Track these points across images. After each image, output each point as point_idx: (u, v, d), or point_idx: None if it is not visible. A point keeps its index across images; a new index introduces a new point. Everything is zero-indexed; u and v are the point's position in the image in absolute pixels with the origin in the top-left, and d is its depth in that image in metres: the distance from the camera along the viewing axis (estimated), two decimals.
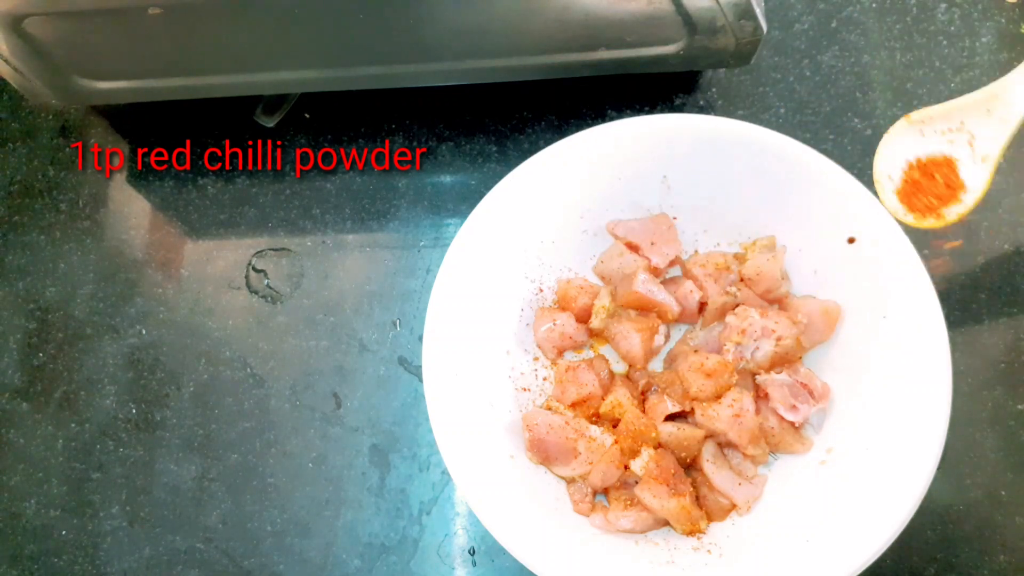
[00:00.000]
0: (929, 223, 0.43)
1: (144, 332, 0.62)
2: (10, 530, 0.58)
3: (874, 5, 0.65)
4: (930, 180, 0.43)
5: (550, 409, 0.53)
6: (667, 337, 0.55)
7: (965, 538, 0.53)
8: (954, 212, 0.42)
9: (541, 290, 0.56)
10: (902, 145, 0.42)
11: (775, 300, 0.54)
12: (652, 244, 0.55)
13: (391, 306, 0.61)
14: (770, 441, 0.51)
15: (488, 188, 0.53)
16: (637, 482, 0.50)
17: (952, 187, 0.43)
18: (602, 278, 0.57)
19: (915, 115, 0.42)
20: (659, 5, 0.51)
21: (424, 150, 0.64)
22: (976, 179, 0.40)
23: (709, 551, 0.49)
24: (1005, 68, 0.63)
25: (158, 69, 0.58)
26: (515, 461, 0.51)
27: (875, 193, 0.47)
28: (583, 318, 0.55)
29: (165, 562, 0.56)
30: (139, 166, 0.66)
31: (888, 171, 0.43)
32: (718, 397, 0.51)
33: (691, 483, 0.50)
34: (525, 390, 0.55)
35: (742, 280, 0.54)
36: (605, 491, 0.52)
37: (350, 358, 0.60)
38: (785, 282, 0.54)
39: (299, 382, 0.60)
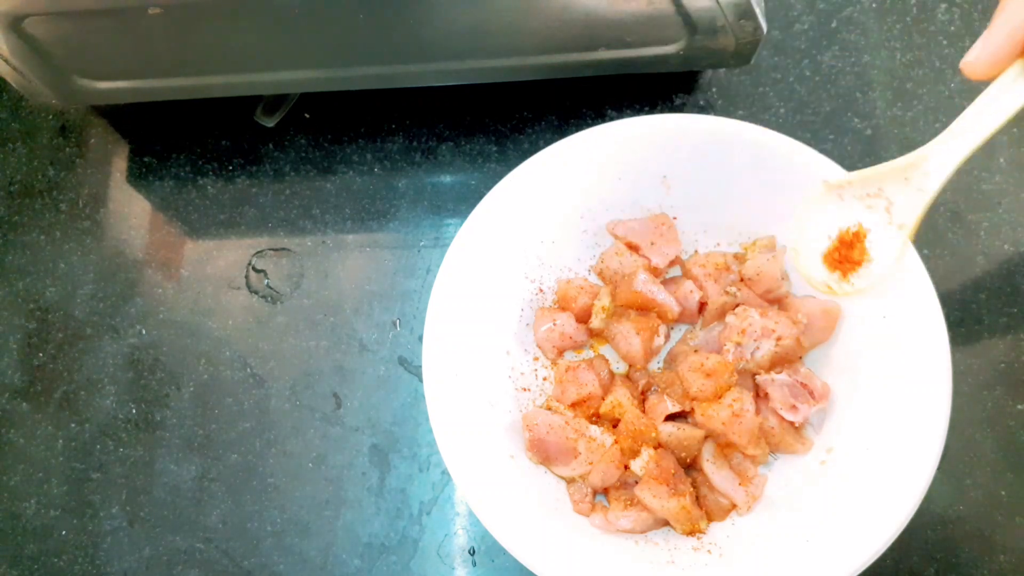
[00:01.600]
0: (842, 289, 0.44)
1: (144, 332, 0.62)
2: (10, 530, 0.58)
3: (874, 5, 0.65)
4: (848, 249, 0.44)
5: (550, 409, 0.53)
6: (667, 337, 0.55)
7: (965, 538, 0.53)
8: (863, 280, 0.42)
9: (541, 290, 0.56)
10: (822, 212, 0.42)
11: (775, 300, 0.54)
12: (652, 244, 0.55)
13: (391, 306, 0.61)
14: (770, 441, 0.51)
15: (488, 188, 0.53)
16: (637, 482, 0.50)
17: (861, 258, 0.43)
18: (602, 278, 0.57)
19: (833, 181, 0.42)
20: (659, 5, 0.51)
21: (424, 150, 0.65)
22: (890, 245, 0.40)
23: (709, 551, 0.49)
24: None
25: (158, 69, 0.58)
26: (515, 461, 0.51)
27: (795, 258, 0.47)
28: (583, 318, 0.55)
29: (165, 562, 0.56)
30: (139, 166, 0.66)
31: (809, 237, 0.44)
32: (718, 397, 0.51)
33: (691, 483, 0.50)
34: (525, 390, 0.55)
35: (742, 280, 0.54)
36: (605, 491, 0.52)
37: (350, 358, 0.60)
38: (785, 282, 0.54)
39: (299, 382, 0.60)
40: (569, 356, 0.56)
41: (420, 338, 0.53)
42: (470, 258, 0.52)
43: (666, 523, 0.50)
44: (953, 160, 0.39)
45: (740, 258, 0.55)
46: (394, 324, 0.60)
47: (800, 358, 0.53)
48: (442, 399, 0.49)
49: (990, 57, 0.36)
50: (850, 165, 0.51)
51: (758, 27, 0.52)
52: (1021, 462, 0.54)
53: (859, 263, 0.43)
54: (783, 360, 0.52)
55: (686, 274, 0.56)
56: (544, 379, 0.55)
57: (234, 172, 0.65)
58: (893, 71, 0.64)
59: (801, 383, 0.51)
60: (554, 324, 0.54)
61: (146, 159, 0.66)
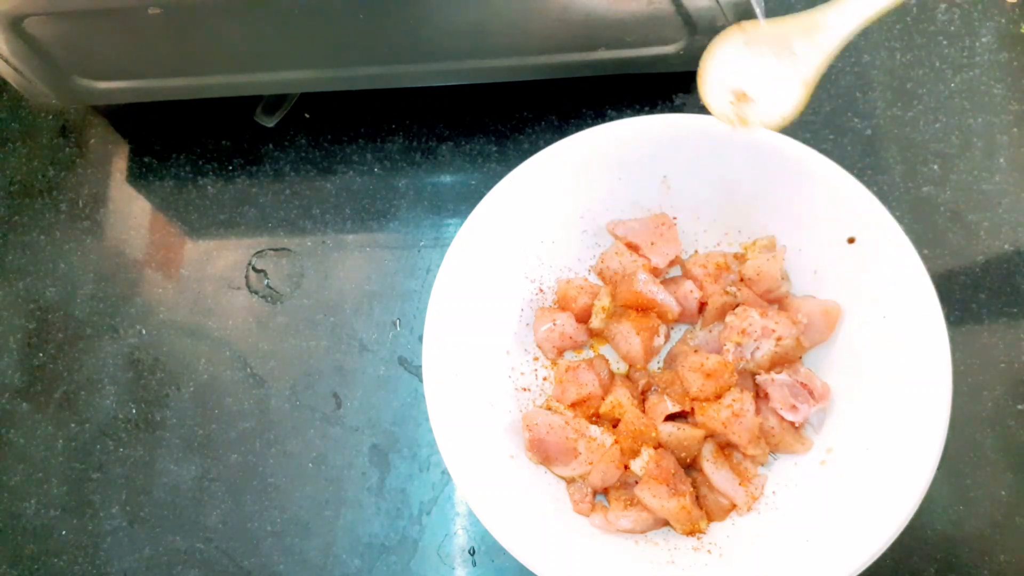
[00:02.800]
0: (741, 123, 0.47)
1: (144, 332, 0.62)
2: (10, 530, 0.58)
3: None
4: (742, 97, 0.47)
5: (550, 409, 0.53)
6: (667, 337, 0.55)
7: (965, 538, 0.53)
8: (758, 118, 0.45)
9: (541, 290, 0.56)
10: (734, 51, 0.44)
11: (775, 300, 0.54)
12: (652, 244, 0.55)
13: (391, 306, 0.61)
14: (770, 441, 0.51)
15: (488, 188, 0.53)
16: (637, 482, 0.50)
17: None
18: (602, 278, 0.57)
19: (748, 25, 0.44)
20: (659, 5, 0.51)
21: (424, 150, 0.65)
22: (792, 92, 0.42)
23: (709, 551, 0.49)
24: (1005, 68, 0.63)
25: (158, 69, 0.58)
26: (515, 461, 0.51)
27: (700, 88, 0.49)
28: (583, 318, 0.55)
29: (165, 562, 0.56)
30: (139, 166, 0.66)
31: (717, 72, 0.46)
32: (718, 397, 0.51)
33: (691, 483, 0.50)
34: (525, 390, 0.55)
35: (742, 280, 0.54)
36: (605, 491, 0.52)
37: (350, 358, 0.60)
38: (785, 282, 0.54)
39: (299, 382, 0.60)
40: (569, 356, 0.56)
41: (420, 338, 0.53)
42: (470, 258, 0.52)
43: (666, 523, 0.50)
44: (849, 26, 0.41)
45: (740, 258, 0.55)
46: (394, 324, 0.60)
47: (800, 358, 0.53)
48: (442, 399, 0.49)
49: None
50: (850, 165, 0.51)
51: None
52: (1021, 462, 0.54)
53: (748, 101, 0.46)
54: (783, 360, 0.52)
55: (686, 274, 0.56)
56: (544, 379, 0.55)
57: (234, 172, 0.65)
58: (893, 71, 0.64)
59: (801, 383, 0.51)
60: (554, 324, 0.54)
61: (146, 159, 0.66)
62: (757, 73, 0.44)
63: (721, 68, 0.44)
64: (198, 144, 0.66)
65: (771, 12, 0.59)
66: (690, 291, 0.54)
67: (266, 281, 0.62)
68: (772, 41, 0.43)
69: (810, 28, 0.42)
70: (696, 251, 0.57)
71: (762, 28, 0.43)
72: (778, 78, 0.43)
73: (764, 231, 0.55)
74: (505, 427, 0.52)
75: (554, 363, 0.55)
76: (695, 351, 0.53)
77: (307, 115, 0.66)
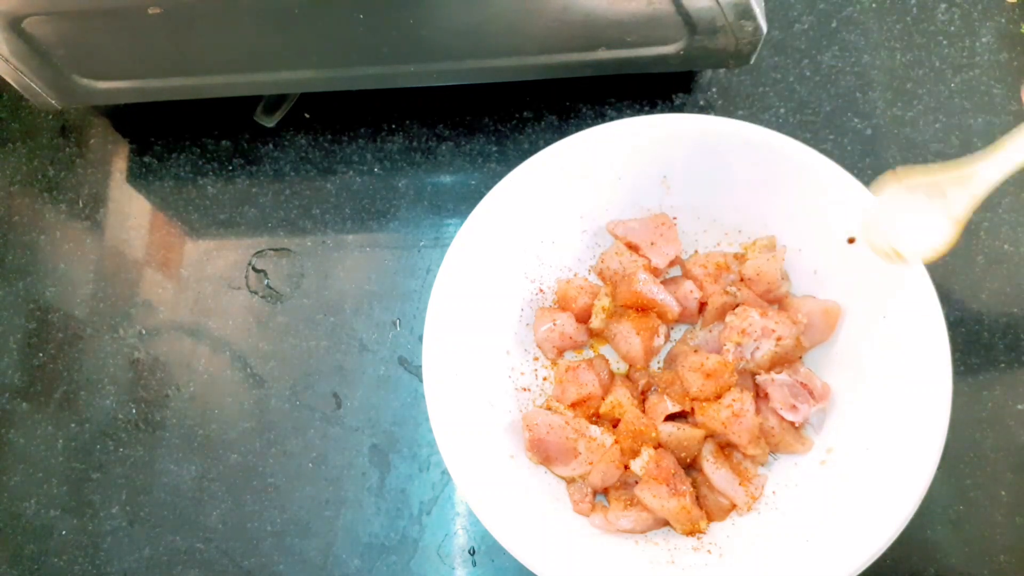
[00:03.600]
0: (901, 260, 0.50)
1: (144, 332, 0.62)
2: (10, 530, 0.58)
3: (874, 5, 0.65)
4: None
5: (550, 409, 0.53)
6: (667, 337, 0.55)
7: (965, 538, 0.53)
8: (913, 255, 0.49)
9: (541, 290, 0.56)
10: (891, 193, 0.49)
11: (775, 300, 0.54)
12: (652, 244, 0.55)
13: (391, 306, 0.61)
14: (770, 441, 0.51)
15: (488, 188, 0.53)
16: (637, 482, 0.50)
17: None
18: (602, 278, 0.57)
19: (903, 172, 0.49)
20: (659, 5, 0.51)
21: (424, 150, 0.65)
22: (944, 234, 0.47)
23: (709, 551, 0.49)
24: (1005, 68, 0.63)
25: (158, 69, 0.58)
26: (515, 461, 0.51)
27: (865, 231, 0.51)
28: (583, 318, 0.55)
29: (165, 562, 0.56)
30: (139, 166, 0.66)
31: (878, 215, 0.50)
32: (718, 397, 0.51)
33: (691, 483, 0.50)
34: (525, 390, 0.55)
35: (742, 280, 0.54)
36: (605, 491, 0.52)
37: (350, 358, 0.60)
38: (785, 282, 0.54)
39: (299, 382, 0.60)
40: (569, 356, 0.56)
41: (420, 338, 0.53)
42: (470, 258, 0.52)
43: (666, 523, 0.50)
44: (999, 175, 0.45)
45: (740, 258, 0.55)
46: (394, 324, 0.60)
47: (800, 358, 0.53)
48: (442, 399, 0.49)
49: None
50: (850, 165, 0.51)
51: (758, 27, 0.52)
52: (1021, 462, 0.54)
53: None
54: (783, 360, 0.52)
55: (686, 274, 0.56)
56: (544, 379, 0.55)
57: (234, 172, 0.65)
58: (893, 71, 0.64)
59: (801, 383, 0.51)
60: (554, 324, 0.54)
61: (146, 159, 0.66)
62: (912, 213, 0.48)
63: (884, 211, 0.49)
64: (198, 144, 0.66)
65: (770, 12, 0.59)
66: (690, 291, 0.54)
67: (266, 281, 0.62)
68: (927, 186, 0.48)
69: (963, 177, 0.46)
70: (696, 251, 0.57)
71: (918, 176, 0.48)
72: (931, 217, 0.47)
73: (764, 231, 0.55)
74: (505, 427, 0.52)
75: (554, 363, 0.55)
76: (695, 351, 0.53)
77: (307, 115, 0.66)
